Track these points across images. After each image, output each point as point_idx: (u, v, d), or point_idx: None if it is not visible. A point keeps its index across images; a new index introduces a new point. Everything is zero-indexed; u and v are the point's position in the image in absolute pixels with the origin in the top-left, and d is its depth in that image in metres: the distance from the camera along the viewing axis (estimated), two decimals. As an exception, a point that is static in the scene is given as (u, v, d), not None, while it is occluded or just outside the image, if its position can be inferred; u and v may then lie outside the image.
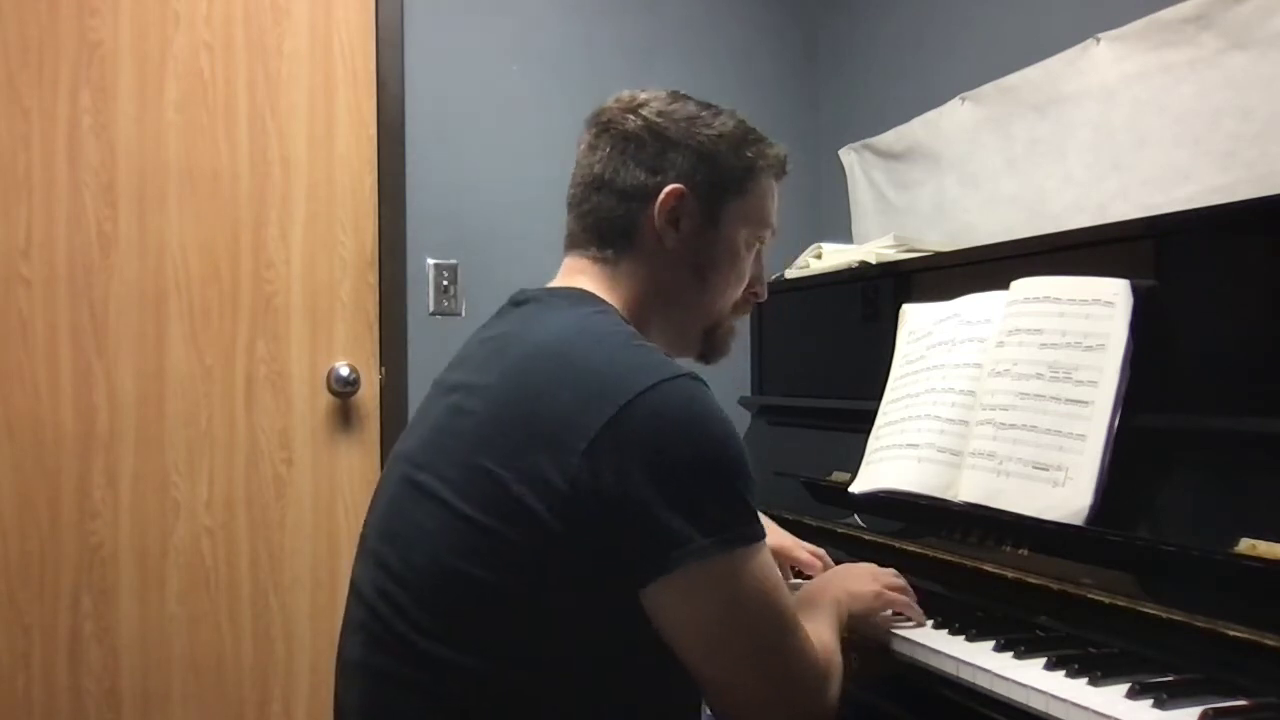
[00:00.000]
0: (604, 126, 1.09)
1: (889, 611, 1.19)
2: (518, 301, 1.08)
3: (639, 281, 1.07)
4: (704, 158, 1.06)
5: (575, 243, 1.10)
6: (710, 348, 1.15)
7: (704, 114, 1.09)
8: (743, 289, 1.14)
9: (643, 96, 1.10)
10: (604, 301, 1.04)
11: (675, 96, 1.10)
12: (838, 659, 1.01)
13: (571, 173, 1.12)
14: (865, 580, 1.19)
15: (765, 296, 1.19)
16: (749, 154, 1.09)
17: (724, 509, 0.90)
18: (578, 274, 1.08)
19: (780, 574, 0.97)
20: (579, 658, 0.92)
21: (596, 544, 0.88)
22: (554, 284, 1.09)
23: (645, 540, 0.87)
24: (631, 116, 1.08)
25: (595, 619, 0.91)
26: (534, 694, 0.91)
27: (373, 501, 1.09)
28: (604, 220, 1.07)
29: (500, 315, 1.09)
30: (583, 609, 0.91)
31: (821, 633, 1.02)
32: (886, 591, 1.18)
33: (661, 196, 1.05)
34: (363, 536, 1.07)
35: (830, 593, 1.14)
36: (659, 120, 1.07)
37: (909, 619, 1.19)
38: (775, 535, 1.39)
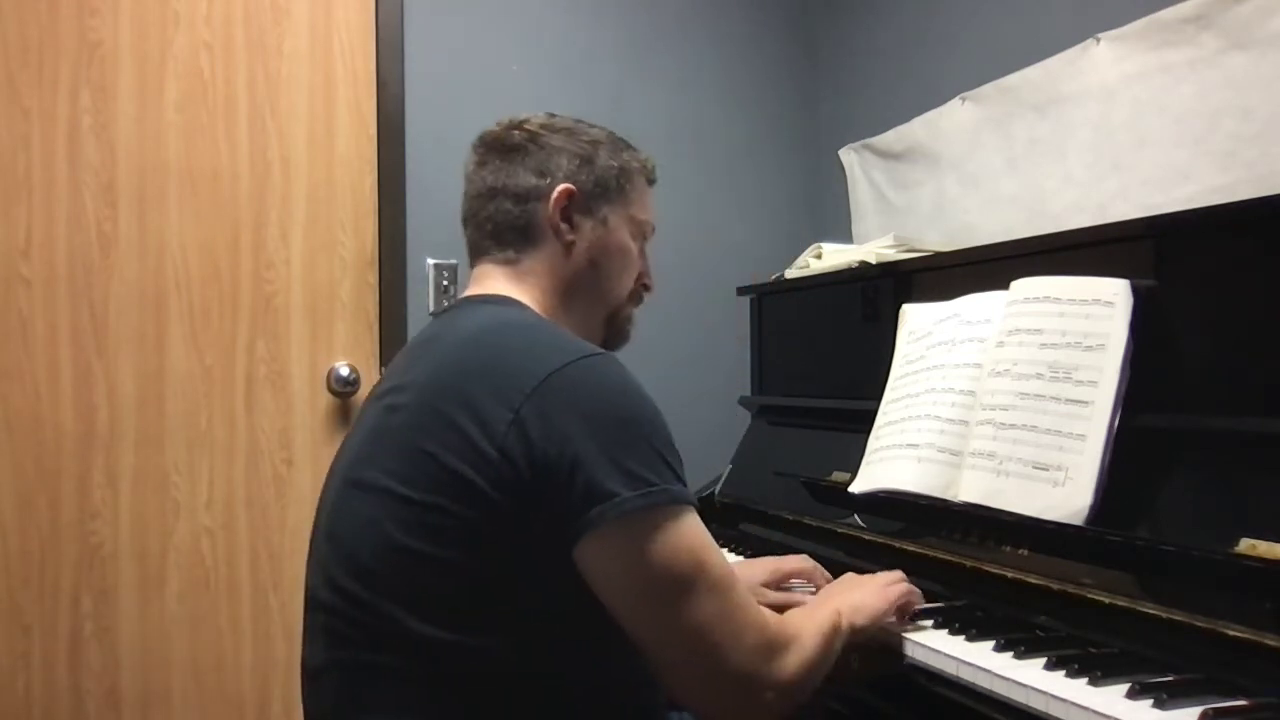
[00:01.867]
0: (489, 145, 1.19)
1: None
2: (435, 314, 1.15)
3: (542, 277, 1.15)
4: (584, 161, 1.17)
5: (479, 250, 1.19)
6: (612, 335, 1.23)
7: (579, 125, 1.21)
8: (634, 280, 1.23)
9: (522, 116, 1.20)
10: (517, 301, 1.12)
11: (551, 115, 1.21)
12: (796, 640, 1.00)
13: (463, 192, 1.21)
14: (872, 592, 1.18)
15: (653, 288, 1.27)
16: (624, 156, 1.21)
17: (647, 467, 0.94)
18: (487, 279, 1.17)
19: (711, 538, 0.98)
20: (534, 623, 0.95)
21: (528, 508, 0.92)
22: (467, 293, 1.17)
23: (571, 499, 0.91)
24: (515, 132, 1.18)
25: (542, 583, 0.95)
26: (498, 661, 0.94)
27: (316, 515, 1.12)
28: (502, 223, 1.16)
29: (425, 329, 1.18)
30: (529, 574, 0.94)
31: (790, 615, 1.03)
32: (896, 603, 1.18)
33: (554, 195, 1.14)
34: (311, 545, 1.11)
35: (830, 601, 1.13)
36: (541, 131, 1.18)
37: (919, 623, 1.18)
38: (756, 563, 1.44)
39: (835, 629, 1.07)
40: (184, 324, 2.08)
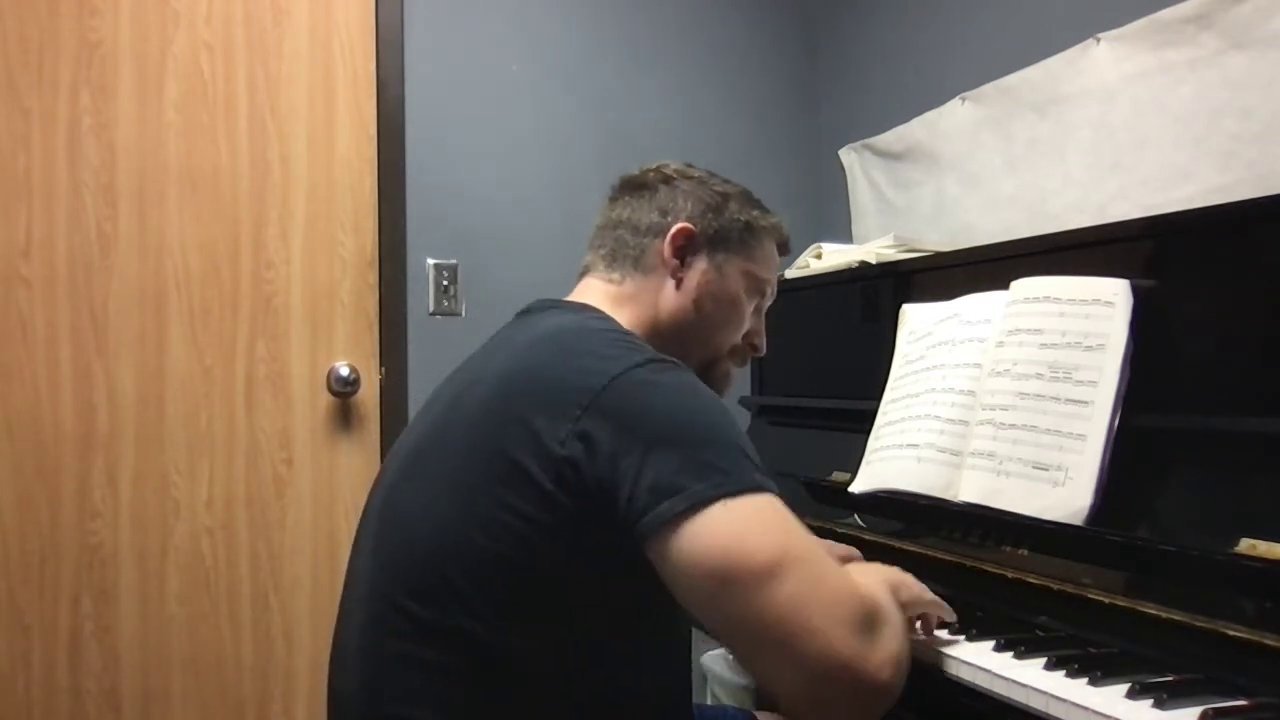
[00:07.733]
0: (624, 184, 1.23)
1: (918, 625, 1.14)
2: (522, 312, 1.15)
3: (643, 306, 1.15)
4: (711, 208, 1.18)
5: (589, 268, 1.20)
6: (706, 385, 1.15)
7: (715, 177, 1.22)
8: (740, 337, 1.22)
9: (662, 161, 1.24)
10: (603, 313, 1.11)
11: (689, 165, 1.24)
12: (891, 608, 0.91)
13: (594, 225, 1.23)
14: (906, 575, 1.11)
15: (764, 351, 1.26)
16: (754, 212, 1.21)
17: (722, 459, 0.89)
18: (585, 292, 1.17)
19: (795, 518, 0.91)
20: (575, 624, 0.94)
21: (593, 508, 0.90)
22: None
23: (638, 496, 0.88)
24: (651, 173, 1.21)
25: (594, 584, 0.93)
26: (538, 657, 0.93)
27: (370, 497, 1.11)
28: (617, 250, 1.18)
29: (506, 325, 1.16)
30: (582, 575, 0.93)
31: (869, 582, 0.94)
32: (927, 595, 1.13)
33: (671, 232, 1.15)
34: (360, 527, 1.10)
35: (880, 571, 1.06)
36: (674, 175, 1.21)
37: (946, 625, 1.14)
38: None
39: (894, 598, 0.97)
40: (184, 324, 2.08)
